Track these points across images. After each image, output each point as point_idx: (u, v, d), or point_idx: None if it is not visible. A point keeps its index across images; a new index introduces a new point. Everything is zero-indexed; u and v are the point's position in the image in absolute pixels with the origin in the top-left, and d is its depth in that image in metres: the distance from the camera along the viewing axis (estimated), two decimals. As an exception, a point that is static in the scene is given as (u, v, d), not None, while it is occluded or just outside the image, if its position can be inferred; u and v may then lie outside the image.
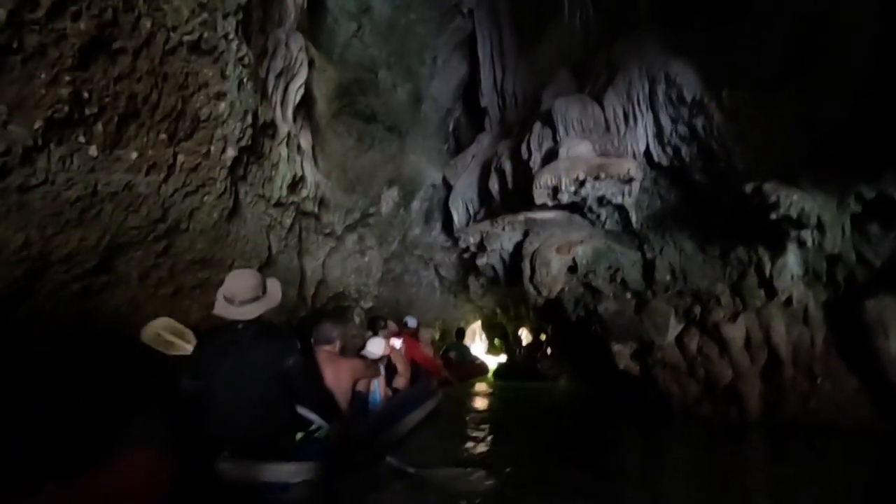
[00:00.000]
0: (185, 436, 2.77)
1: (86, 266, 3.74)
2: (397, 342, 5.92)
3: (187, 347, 3.60)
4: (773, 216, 4.22)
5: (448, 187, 9.26)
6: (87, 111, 3.18)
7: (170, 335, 3.61)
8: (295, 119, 5.81)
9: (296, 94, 5.63)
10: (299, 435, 3.09)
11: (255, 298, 3.04)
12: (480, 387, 9.07)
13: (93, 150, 3.31)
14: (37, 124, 2.96)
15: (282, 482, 2.81)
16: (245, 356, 2.93)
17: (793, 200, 4.10)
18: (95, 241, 3.65)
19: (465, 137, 10.63)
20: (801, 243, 4.55)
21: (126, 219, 3.75)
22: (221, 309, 3.01)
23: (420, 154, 9.05)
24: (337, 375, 3.77)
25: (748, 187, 4.26)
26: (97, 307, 4.14)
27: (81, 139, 3.23)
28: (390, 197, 8.53)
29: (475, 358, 11.43)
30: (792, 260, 4.76)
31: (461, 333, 11.27)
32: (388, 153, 8.29)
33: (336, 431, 3.18)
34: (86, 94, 3.13)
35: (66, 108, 3.05)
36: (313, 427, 3.17)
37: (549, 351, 11.24)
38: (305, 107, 6.29)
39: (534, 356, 11.09)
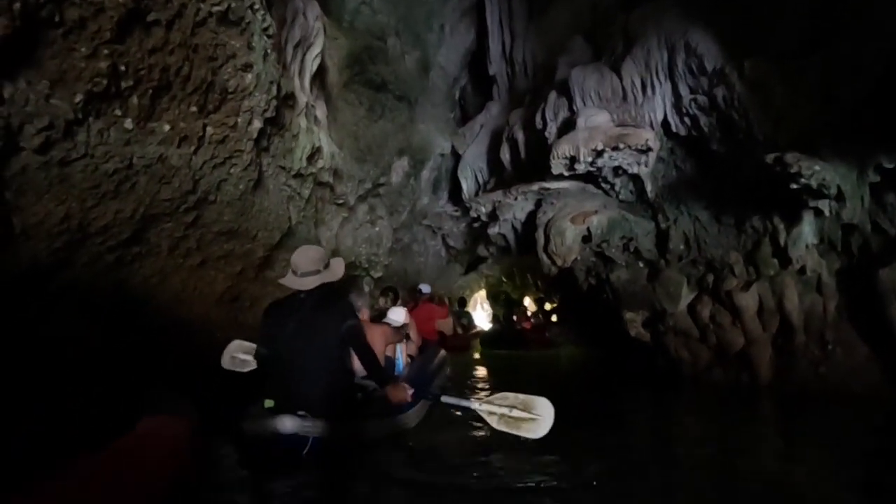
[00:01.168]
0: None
1: (120, 237, 3.78)
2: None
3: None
4: (794, 186, 4.29)
5: (456, 157, 9.28)
6: (124, 84, 3.19)
7: (242, 354, 3.91)
8: (311, 89, 5.79)
9: (312, 63, 5.60)
10: (359, 395, 3.37)
11: (316, 272, 3.22)
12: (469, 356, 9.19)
13: (128, 123, 3.33)
14: (77, 98, 2.98)
15: (351, 438, 3.08)
16: (306, 321, 3.13)
17: (814, 171, 4.15)
18: (130, 213, 3.69)
19: (471, 106, 10.59)
20: (818, 213, 4.62)
21: (159, 191, 3.78)
22: (286, 279, 3.25)
23: (429, 123, 9.02)
24: (372, 340, 3.88)
25: (769, 157, 4.30)
26: (128, 278, 4.21)
27: (118, 112, 3.25)
28: (400, 167, 8.53)
29: (476, 327, 11.69)
30: (807, 229, 4.85)
31: (463, 302, 11.50)
32: (398, 122, 8.27)
33: (394, 391, 3.29)
34: (122, 67, 3.13)
35: (105, 82, 3.06)
36: (370, 388, 3.41)
37: (553, 319, 11.43)
38: (319, 77, 6.25)
39: (519, 323, 11.19)
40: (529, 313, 12.14)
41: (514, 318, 11.65)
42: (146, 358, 4.53)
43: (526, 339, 10.36)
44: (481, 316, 15.13)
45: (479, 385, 5.94)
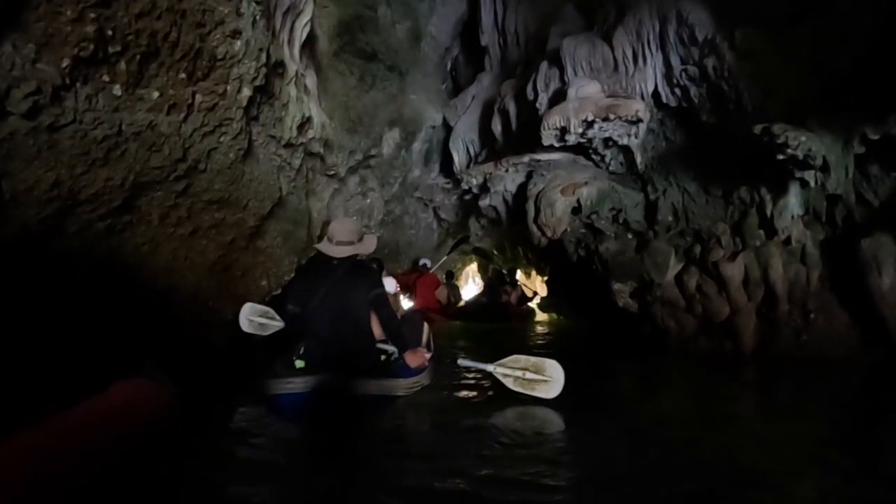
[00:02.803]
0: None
1: (111, 205, 3.78)
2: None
3: (275, 323, 4.28)
4: (781, 157, 4.33)
5: (448, 128, 9.21)
6: (111, 49, 3.17)
7: (258, 318, 4.30)
8: (301, 58, 5.73)
9: (302, 31, 5.53)
10: (382, 357, 3.63)
11: (350, 242, 3.52)
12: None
13: (117, 90, 3.31)
14: (64, 63, 2.96)
15: (386, 395, 3.33)
16: (337, 286, 3.40)
17: (801, 141, 4.20)
18: (120, 181, 3.68)
19: (463, 77, 10.47)
20: (804, 184, 4.68)
21: (149, 158, 3.77)
22: (322, 244, 3.57)
23: (420, 94, 8.95)
24: None
25: (757, 128, 4.34)
26: (120, 246, 4.22)
27: (106, 78, 3.23)
28: (391, 138, 8.48)
29: (462, 299, 11.76)
30: (793, 200, 4.91)
31: (451, 275, 11.56)
32: (389, 93, 8.20)
33: (413, 356, 3.59)
34: (109, 32, 3.11)
35: (91, 47, 3.04)
36: (390, 351, 3.62)
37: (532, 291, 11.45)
38: (309, 46, 6.18)
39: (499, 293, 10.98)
40: (513, 285, 11.93)
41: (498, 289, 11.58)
42: (135, 327, 4.58)
43: (508, 312, 10.32)
44: (472, 289, 15.22)
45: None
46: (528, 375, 3.52)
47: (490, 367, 3.65)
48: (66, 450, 1.75)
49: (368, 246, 3.63)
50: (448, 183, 9.45)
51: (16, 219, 3.31)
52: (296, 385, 3.15)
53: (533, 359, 3.60)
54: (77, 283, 3.98)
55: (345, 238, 3.49)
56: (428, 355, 3.66)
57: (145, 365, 2.80)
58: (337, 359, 3.25)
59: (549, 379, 3.47)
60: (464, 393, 3.79)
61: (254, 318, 4.43)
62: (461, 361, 3.83)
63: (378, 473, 2.33)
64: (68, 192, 3.42)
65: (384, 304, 3.51)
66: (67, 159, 3.29)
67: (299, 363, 3.36)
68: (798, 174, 4.57)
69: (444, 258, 10.79)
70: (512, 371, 3.57)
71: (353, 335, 3.40)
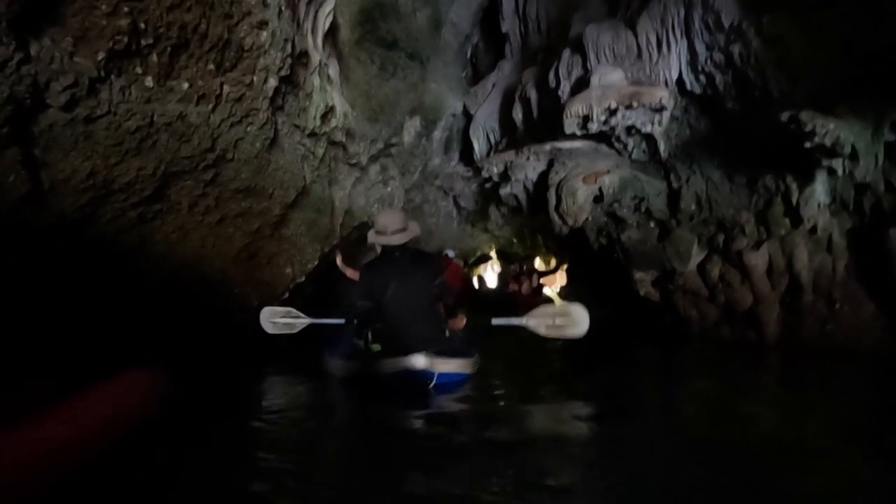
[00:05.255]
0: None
1: (142, 194, 3.89)
2: None
3: (301, 320, 4.62)
4: (808, 145, 4.28)
5: (468, 116, 9.20)
6: (144, 42, 3.24)
7: (281, 318, 4.59)
8: (324, 47, 5.77)
9: (325, 20, 5.56)
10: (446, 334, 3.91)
11: (402, 230, 3.78)
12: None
13: (149, 81, 3.39)
14: (99, 56, 3.04)
15: (457, 373, 3.60)
16: (407, 276, 3.69)
17: (829, 129, 4.14)
18: (152, 170, 3.78)
19: (483, 65, 10.43)
20: (832, 172, 4.62)
21: (179, 148, 3.86)
22: (375, 238, 3.81)
23: (441, 82, 8.93)
24: None
25: (784, 116, 4.29)
26: (150, 234, 4.33)
27: (138, 70, 3.31)
28: (412, 126, 8.49)
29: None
30: (820, 188, 4.85)
31: (466, 263, 11.63)
32: (409, 81, 8.20)
33: (454, 322, 3.94)
34: (142, 25, 3.17)
35: (125, 40, 3.11)
36: (449, 334, 3.86)
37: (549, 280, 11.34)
38: (331, 35, 6.21)
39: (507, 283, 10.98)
40: (524, 274, 11.55)
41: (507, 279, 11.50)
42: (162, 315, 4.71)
43: (517, 302, 10.15)
44: (491, 276, 15.24)
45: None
46: (558, 321, 3.97)
47: (523, 321, 4.07)
48: (64, 438, 1.83)
49: (415, 230, 3.89)
50: (468, 171, 9.45)
51: (53, 207, 3.43)
52: (396, 365, 3.41)
53: (559, 307, 4.14)
54: (109, 270, 4.11)
55: (397, 226, 3.76)
56: (464, 321, 4.01)
57: (144, 359, 2.87)
58: (411, 342, 3.47)
59: (575, 321, 3.93)
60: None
61: (276, 319, 4.66)
62: (495, 321, 4.22)
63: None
64: (103, 182, 3.53)
65: (449, 289, 3.94)
66: (102, 150, 3.39)
67: (375, 347, 3.67)
68: (825, 162, 4.50)
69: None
70: (542, 319, 4.03)
71: (423, 320, 3.66)
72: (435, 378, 3.41)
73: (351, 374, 3.81)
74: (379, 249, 3.93)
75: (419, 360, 3.34)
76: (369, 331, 3.74)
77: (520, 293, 10.79)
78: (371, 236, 3.87)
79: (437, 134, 9.11)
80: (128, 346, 4.12)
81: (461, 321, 3.90)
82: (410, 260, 3.77)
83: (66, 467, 1.84)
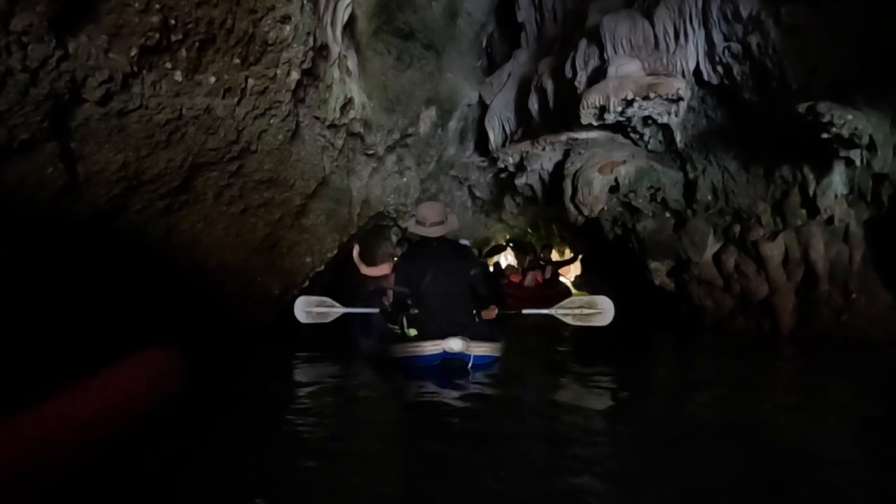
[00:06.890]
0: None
1: (171, 185, 4.02)
2: None
3: (336, 310, 4.68)
4: (825, 135, 4.29)
5: (483, 106, 9.22)
6: (173, 38, 3.35)
7: (316, 308, 4.68)
8: (342, 39, 5.84)
9: (344, 12, 5.62)
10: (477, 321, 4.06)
11: (441, 222, 3.96)
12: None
13: (178, 76, 3.50)
14: (132, 52, 3.15)
15: (489, 355, 3.81)
16: (444, 266, 3.87)
17: (847, 120, 4.15)
18: (180, 162, 3.91)
19: (498, 54, 10.42)
20: (849, 162, 4.62)
21: (206, 141, 3.98)
22: (416, 228, 4.00)
23: (456, 72, 8.95)
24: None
25: (802, 106, 4.29)
26: (177, 223, 4.47)
27: (168, 65, 3.42)
28: (428, 117, 8.54)
29: None
30: (837, 179, 4.86)
31: (479, 253, 11.52)
32: (425, 71, 8.24)
33: (487, 311, 4.00)
34: (172, 21, 3.28)
35: (157, 36, 3.22)
36: (479, 321, 4.00)
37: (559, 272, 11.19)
38: (349, 27, 6.27)
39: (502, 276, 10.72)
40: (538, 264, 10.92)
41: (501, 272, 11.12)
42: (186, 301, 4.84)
43: (509, 294, 9.53)
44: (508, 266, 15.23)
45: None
46: (585, 311, 4.27)
47: (552, 311, 4.34)
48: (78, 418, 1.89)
49: (453, 223, 4.08)
50: (483, 161, 9.50)
51: (87, 198, 3.57)
52: (436, 347, 3.60)
53: (586, 297, 4.51)
54: (137, 259, 4.25)
55: (437, 219, 3.94)
56: (496, 311, 4.07)
57: (162, 337, 2.98)
58: (447, 326, 3.66)
59: (601, 311, 4.25)
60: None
61: (311, 308, 4.71)
62: (524, 311, 4.63)
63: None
64: (134, 174, 3.66)
65: (484, 279, 4.10)
66: (134, 142, 3.51)
67: (412, 331, 3.82)
68: (843, 153, 4.51)
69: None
70: (570, 310, 4.31)
71: (458, 307, 3.84)
72: (472, 360, 3.64)
73: (387, 357, 3.98)
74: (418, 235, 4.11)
75: (457, 344, 3.54)
76: (404, 316, 3.89)
77: (514, 285, 10.39)
78: (411, 225, 4.09)
79: (453, 124, 9.16)
80: (153, 330, 4.25)
81: (493, 311, 4.04)
82: (448, 251, 3.96)
83: (91, 442, 1.92)
